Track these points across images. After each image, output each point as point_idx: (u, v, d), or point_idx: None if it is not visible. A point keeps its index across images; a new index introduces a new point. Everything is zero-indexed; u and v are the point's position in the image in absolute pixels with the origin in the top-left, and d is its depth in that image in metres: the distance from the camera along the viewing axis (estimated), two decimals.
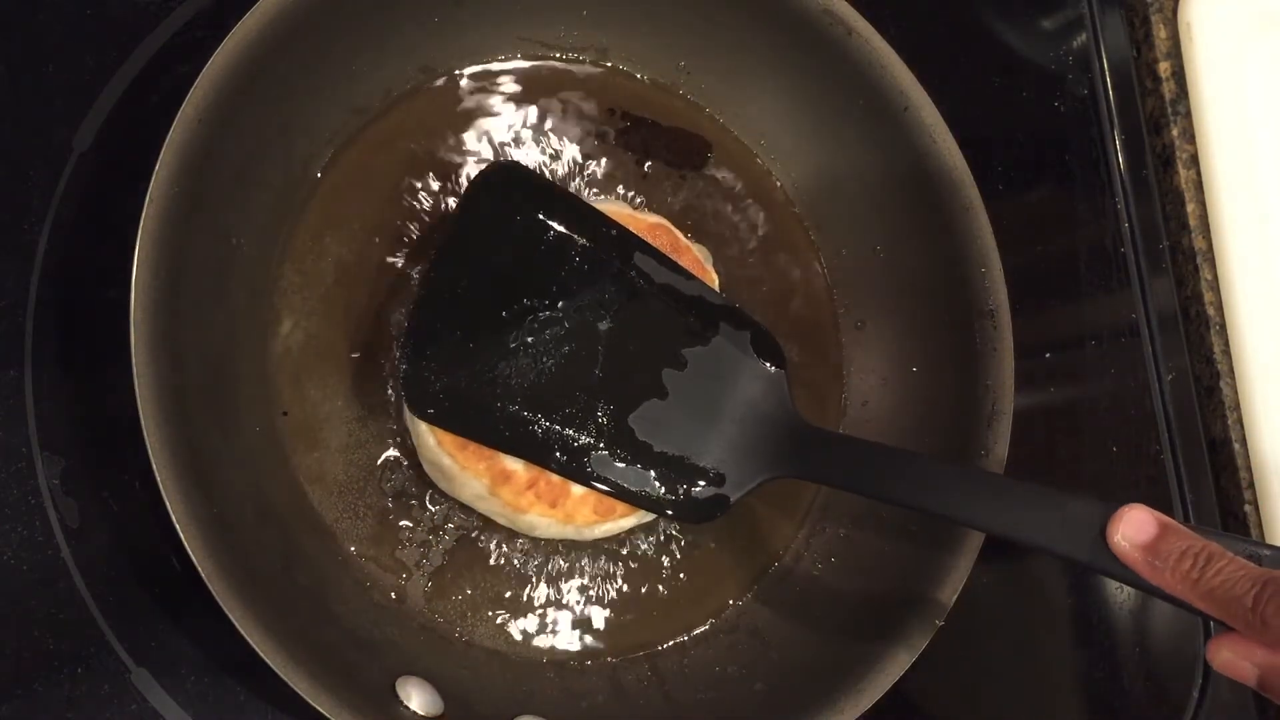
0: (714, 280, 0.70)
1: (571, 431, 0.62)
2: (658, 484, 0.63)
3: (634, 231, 0.65)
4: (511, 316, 0.62)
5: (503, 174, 0.64)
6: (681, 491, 0.63)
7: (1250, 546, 0.51)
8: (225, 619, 0.54)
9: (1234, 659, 0.50)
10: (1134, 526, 0.52)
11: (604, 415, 0.63)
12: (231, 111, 0.59)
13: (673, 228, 0.70)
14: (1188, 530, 0.51)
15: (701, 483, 0.63)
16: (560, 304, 0.62)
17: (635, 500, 0.63)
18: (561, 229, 0.63)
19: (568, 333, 0.62)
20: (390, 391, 0.66)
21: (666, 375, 0.64)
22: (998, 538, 0.58)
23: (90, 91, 0.68)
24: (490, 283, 0.62)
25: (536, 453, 0.62)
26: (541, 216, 0.63)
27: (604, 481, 0.62)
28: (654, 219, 0.69)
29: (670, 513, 0.64)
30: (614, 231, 0.64)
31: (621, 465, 0.63)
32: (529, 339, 0.62)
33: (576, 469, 0.62)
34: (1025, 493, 0.57)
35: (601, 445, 0.62)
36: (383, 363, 0.66)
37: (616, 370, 0.63)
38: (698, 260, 0.69)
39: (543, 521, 0.64)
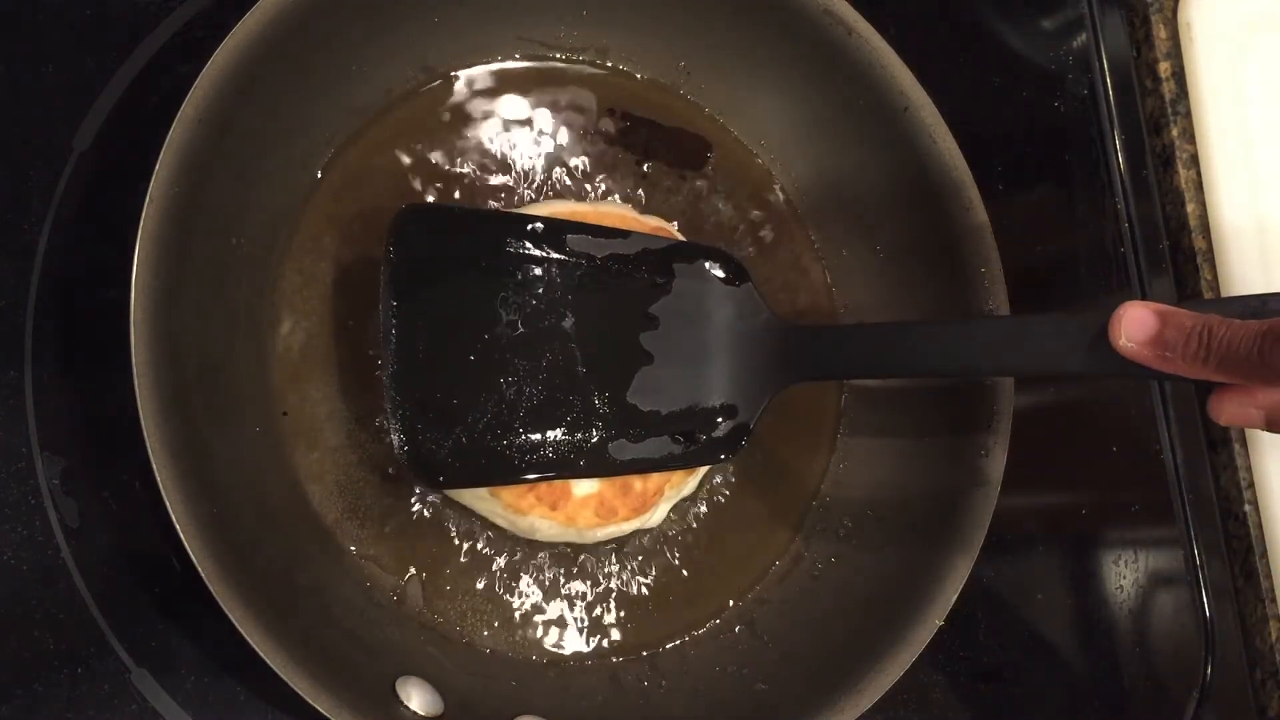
0: None
1: (580, 434, 0.62)
2: (678, 444, 0.63)
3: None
4: (480, 356, 0.61)
5: (411, 221, 0.62)
6: (702, 439, 0.63)
7: (1243, 302, 0.51)
8: (225, 619, 0.54)
9: (1239, 409, 0.51)
10: (1135, 325, 0.51)
11: (603, 404, 0.62)
12: (231, 111, 0.59)
13: (675, 231, 0.70)
14: (1185, 311, 0.51)
15: (718, 420, 0.63)
16: (520, 321, 0.61)
17: (663, 466, 0.64)
18: (488, 248, 0.62)
19: (539, 344, 0.62)
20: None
21: (645, 339, 0.63)
22: (1007, 375, 0.58)
23: (90, 91, 0.68)
24: (447, 331, 0.61)
25: (557, 468, 0.62)
26: (465, 245, 0.62)
27: (629, 465, 0.63)
28: (655, 222, 0.69)
29: (699, 462, 0.64)
30: (539, 225, 0.62)
31: (638, 443, 0.62)
32: (506, 369, 0.61)
33: (599, 465, 0.62)
34: (1018, 325, 0.57)
35: (613, 432, 0.62)
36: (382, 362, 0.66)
37: (597, 357, 0.62)
38: None
39: (544, 524, 0.64)
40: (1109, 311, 0.52)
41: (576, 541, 0.66)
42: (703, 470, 0.68)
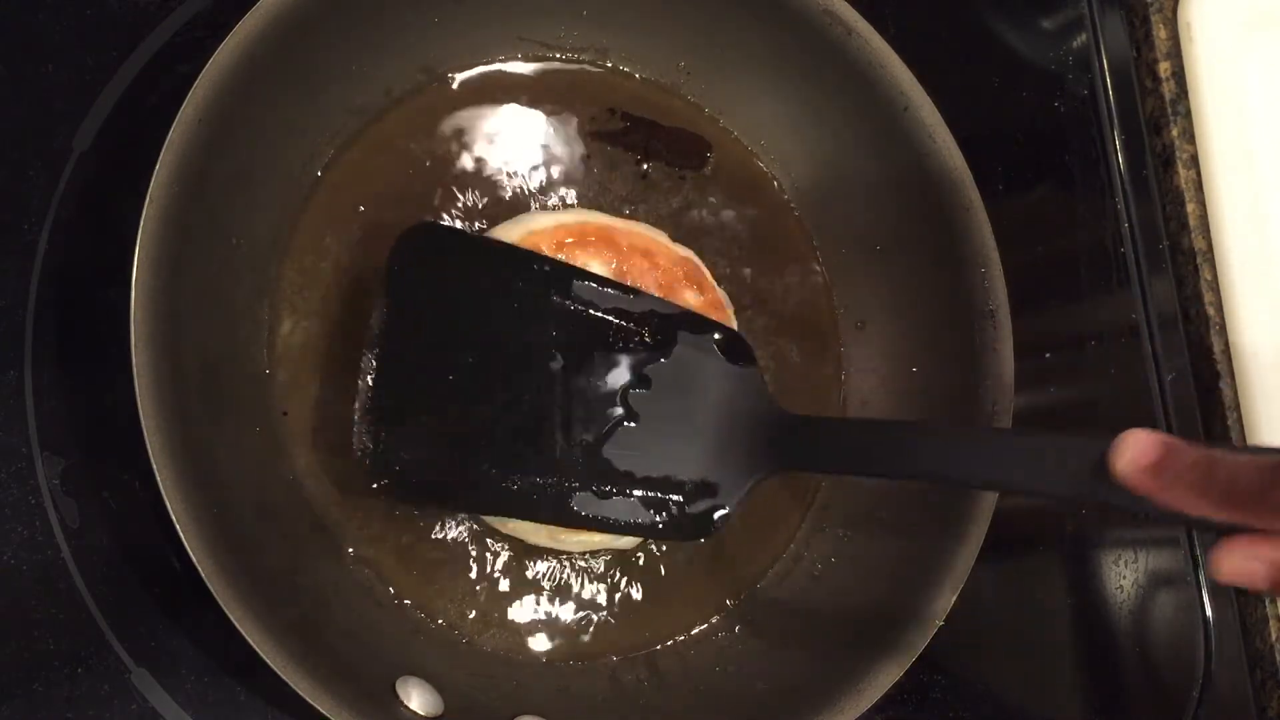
0: (731, 325, 0.68)
1: (550, 479, 0.60)
2: (648, 510, 0.61)
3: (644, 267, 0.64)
4: (463, 378, 0.60)
5: (420, 238, 0.61)
6: (675, 511, 0.62)
7: (1256, 450, 0.48)
8: (225, 619, 0.54)
9: (1242, 561, 0.46)
10: (1138, 449, 0.48)
11: (578, 454, 0.61)
12: (231, 111, 0.59)
13: (701, 265, 0.69)
14: (1191, 444, 0.47)
15: (694, 496, 0.62)
16: (509, 353, 0.60)
17: (628, 530, 0.62)
18: (491, 278, 0.61)
19: (522, 380, 0.60)
20: None
21: (633, 398, 0.62)
22: (999, 490, 0.56)
23: (90, 91, 0.68)
24: (433, 348, 0.60)
25: (518, 508, 0.61)
26: (469, 270, 0.61)
27: (590, 521, 0.61)
28: (684, 252, 0.68)
29: (667, 535, 0.63)
30: (546, 267, 0.62)
31: (604, 500, 0.61)
32: (484, 396, 0.60)
33: (562, 515, 0.61)
34: (1016, 441, 0.55)
35: (579, 484, 0.60)
36: None
37: (581, 406, 0.61)
38: (719, 301, 0.68)
39: (525, 525, 0.64)
40: (1108, 436, 0.49)
41: (555, 547, 0.66)
42: None
